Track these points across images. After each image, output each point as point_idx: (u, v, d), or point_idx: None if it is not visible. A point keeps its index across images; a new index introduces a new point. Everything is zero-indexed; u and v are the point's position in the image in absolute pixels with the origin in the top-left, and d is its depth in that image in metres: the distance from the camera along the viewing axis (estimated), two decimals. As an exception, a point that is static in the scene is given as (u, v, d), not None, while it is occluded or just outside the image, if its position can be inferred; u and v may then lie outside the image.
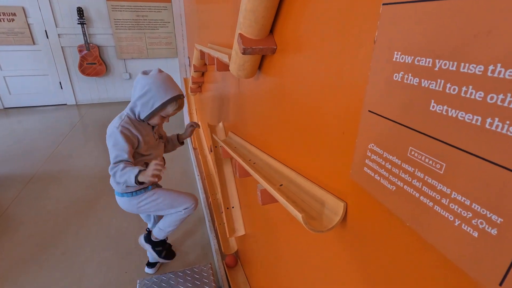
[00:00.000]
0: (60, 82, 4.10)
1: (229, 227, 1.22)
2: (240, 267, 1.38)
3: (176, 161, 2.66)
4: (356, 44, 0.37)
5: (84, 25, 3.76)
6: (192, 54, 2.70)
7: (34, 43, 3.80)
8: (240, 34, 0.63)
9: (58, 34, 3.82)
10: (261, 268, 1.02)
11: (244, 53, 0.63)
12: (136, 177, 0.99)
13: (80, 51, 3.90)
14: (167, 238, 1.39)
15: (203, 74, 1.88)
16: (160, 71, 1.08)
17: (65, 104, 4.25)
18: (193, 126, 1.38)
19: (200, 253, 1.62)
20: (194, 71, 1.73)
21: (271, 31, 0.65)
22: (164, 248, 1.35)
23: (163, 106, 1.04)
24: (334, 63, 0.42)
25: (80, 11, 3.69)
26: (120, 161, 1.03)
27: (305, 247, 0.61)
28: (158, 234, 1.29)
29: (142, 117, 1.08)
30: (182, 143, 1.42)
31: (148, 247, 1.33)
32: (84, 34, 3.79)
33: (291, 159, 0.63)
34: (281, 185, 0.61)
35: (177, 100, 1.07)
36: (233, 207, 1.26)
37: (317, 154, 0.50)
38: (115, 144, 1.04)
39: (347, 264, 0.46)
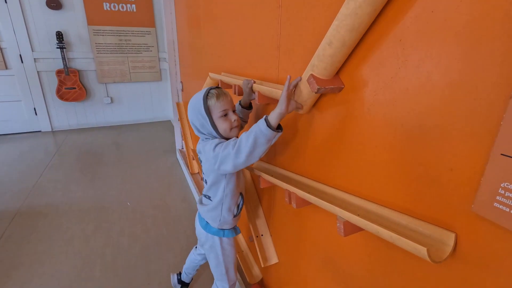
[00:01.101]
0: (34, 108, 3.85)
1: (262, 256, 1.21)
2: (268, 296, 1.36)
3: (173, 187, 2.58)
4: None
5: (64, 49, 3.62)
6: (185, 78, 2.71)
7: (6, 68, 3.57)
8: (312, 74, 0.68)
9: (34, 59, 3.63)
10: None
11: (317, 92, 0.67)
12: (266, 121, 0.77)
13: (58, 75, 3.73)
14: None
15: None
16: None
17: (40, 131, 3.98)
18: (249, 82, 1.03)
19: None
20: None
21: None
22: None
23: (205, 106, 0.94)
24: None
25: (59, 35, 3.56)
26: (229, 142, 0.87)
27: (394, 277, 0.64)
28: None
29: (213, 133, 0.96)
30: (249, 106, 1.12)
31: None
32: (64, 58, 3.64)
33: (366, 190, 0.67)
34: (358, 215, 0.64)
35: (209, 91, 0.96)
36: (262, 235, 1.26)
37: (414, 188, 0.55)
38: (224, 148, 0.87)
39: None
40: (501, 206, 0.41)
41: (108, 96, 4.18)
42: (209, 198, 1.07)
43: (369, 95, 0.62)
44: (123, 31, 3.95)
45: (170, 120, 4.61)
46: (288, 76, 0.74)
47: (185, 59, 2.60)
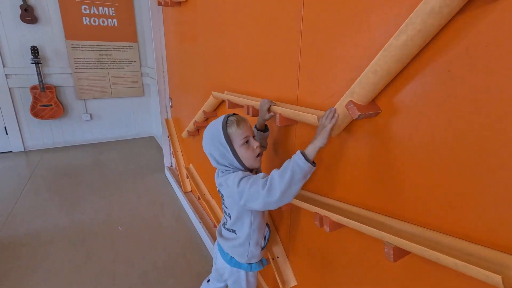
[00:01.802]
0: (5, 127, 3.58)
1: (280, 278, 1.18)
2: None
3: (166, 207, 2.48)
4: None
5: (39, 64, 3.42)
6: (175, 95, 2.65)
7: (-27, 85, 3.31)
8: (351, 101, 0.69)
9: (6, 75, 3.40)
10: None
11: (357, 118, 0.68)
12: (303, 154, 0.74)
13: (33, 92, 3.51)
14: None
15: (207, 119, 1.86)
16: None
17: (11, 152, 3.69)
18: (269, 102, 1.00)
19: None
20: (205, 117, 1.71)
21: (376, 97, 0.71)
22: None
23: (225, 134, 0.90)
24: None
25: (34, 50, 3.37)
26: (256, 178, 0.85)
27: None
28: None
29: (235, 163, 0.91)
30: (266, 128, 1.09)
31: None
32: (39, 74, 3.44)
33: (409, 212, 0.68)
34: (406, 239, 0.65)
35: (228, 119, 0.92)
36: (278, 257, 1.24)
37: (471, 211, 0.56)
38: (251, 185, 0.83)
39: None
40: None
41: (87, 113, 3.98)
42: (233, 231, 1.02)
43: (411, 119, 0.64)
44: (103, 45, 3.82)
45: (153, 136, 4.47)
46: (333, 108, 0.74)
47: (175, 76, 2.56)
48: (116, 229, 2.16)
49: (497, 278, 0.46)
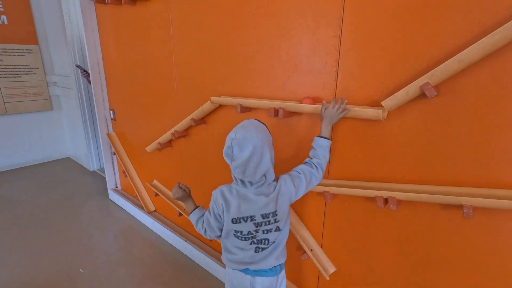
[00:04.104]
0: None
1: (321, 266, 1.25)
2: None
3: (132, 234, 2.15)
4: None
5: None
6: (115, 106, 2.34)
7: None
8: (428, 82, 0.81)
9: None
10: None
11: (432, 96, 0.81)
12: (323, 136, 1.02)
13: None
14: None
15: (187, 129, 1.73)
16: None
17: None
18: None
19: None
20: (195, 124, 1.60)
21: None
22: None
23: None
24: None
25: None
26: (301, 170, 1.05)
27: None
28: None
29: (271, 171, 0.95)
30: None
31: None
32: None
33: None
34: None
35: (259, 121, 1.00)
36: (312, 250, 1.30)
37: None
38: (304, 176, 1.03)
39: None
40: None
41: (-31, 137, 3.01)
42: (279, 230, 0.99)
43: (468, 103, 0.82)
44: (-12, 48, 2.97)
45: (69, 157, 3.74)
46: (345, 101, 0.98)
47: (119, 84, 2.24)
48: (78, 273, 1.75)
49: None
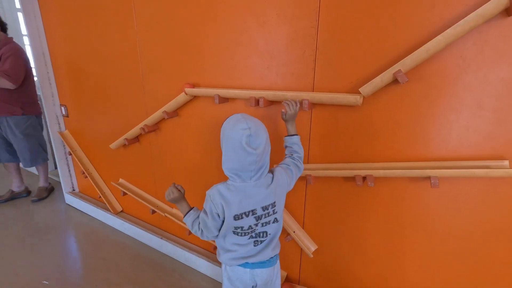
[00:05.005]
0: None
1: (304, 246, 1.33)
2: None
3: (100, 239, 2.02)
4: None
5: None
6: (67, 101, 2.15)
7: None
8: (400, 70, 0.91)
9: None
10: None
11: (404, 82, 0.92)
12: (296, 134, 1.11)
13: None
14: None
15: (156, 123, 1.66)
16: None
17: None
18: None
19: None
20: (167, 117, 1.54)
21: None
22: None
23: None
24: None
25: None
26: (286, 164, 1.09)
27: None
28: None
29: (267, 164, 0.97)
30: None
31: None
32: None
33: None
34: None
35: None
36: (294, 232, 1.37)
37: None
38: (293, 167, 1.08)
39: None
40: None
41: None
42: (277, 221, 1.03)
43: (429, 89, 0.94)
44: None
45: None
46: (297, 101, 1.09)
47: (72, 78, 2.05)
48: (41, 285, 1.60)
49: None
